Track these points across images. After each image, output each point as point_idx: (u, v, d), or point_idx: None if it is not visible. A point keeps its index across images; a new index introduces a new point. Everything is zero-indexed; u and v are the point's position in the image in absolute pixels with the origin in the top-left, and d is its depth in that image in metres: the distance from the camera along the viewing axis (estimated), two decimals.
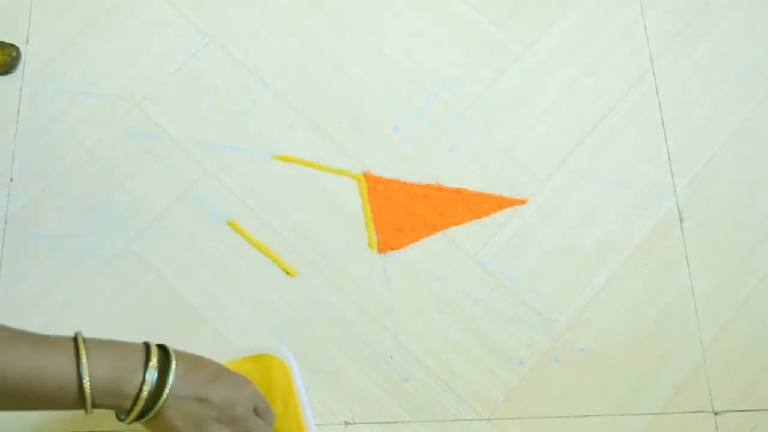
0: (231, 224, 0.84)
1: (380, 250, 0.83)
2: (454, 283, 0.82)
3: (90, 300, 0.81)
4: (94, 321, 0.80)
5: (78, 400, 0.57)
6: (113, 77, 0.90)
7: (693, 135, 0.89)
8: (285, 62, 0.91)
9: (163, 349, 0.62)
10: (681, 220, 0.85)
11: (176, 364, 0.60)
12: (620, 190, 0.86)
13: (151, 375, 0.58)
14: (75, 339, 0.58)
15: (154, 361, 0.59)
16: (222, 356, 0.73)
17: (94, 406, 0.58)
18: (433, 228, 0.84)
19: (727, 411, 0.78)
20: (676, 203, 0.86)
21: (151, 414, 0.59)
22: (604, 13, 0.93)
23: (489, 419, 0.78)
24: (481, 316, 0.81)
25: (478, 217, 0.85)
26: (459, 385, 0.79)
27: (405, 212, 0.85)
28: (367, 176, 0.86)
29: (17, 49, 0.89)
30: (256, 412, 0.65)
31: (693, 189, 0.86)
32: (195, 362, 0.63)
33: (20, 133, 0.87)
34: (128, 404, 0.59)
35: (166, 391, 0.59)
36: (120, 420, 0.61)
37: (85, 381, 0.56)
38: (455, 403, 0.78)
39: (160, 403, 0.58)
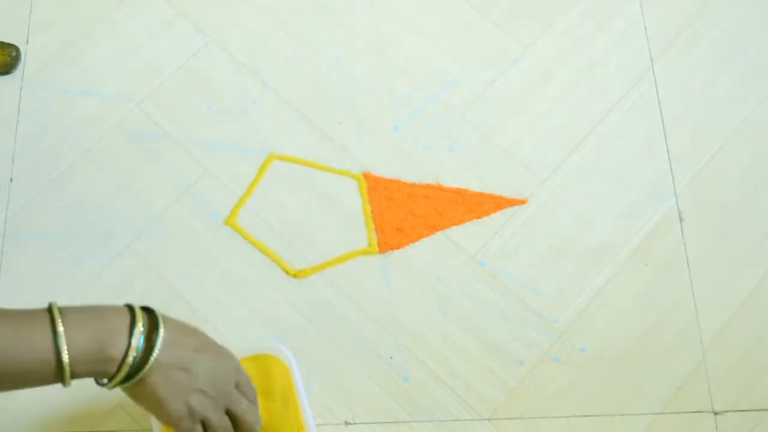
0: (231, 224, 0.84)
1: (380, 250, 0.83)
2: (454, 283, 0.82)
3: (90, 300, 0.81)
4: None
5: (57, 374, 0.54)
6: (113, 77, 0.90)
7: (693, 135, 0.89)
8: (285, 62, 0.91)
9: (148, 312, 0.58)
10: (681, 220, 0.85)
11: (164, 331, 0.57)
12: (620, 190, 0.86)
13: (137, 340, 0.55)
14: (50, 309, 0.55)
15: (140, 325, 0.56)
16: None
17: (74, 376, 0.54)
18: (433, 228, 0.84)
19: (727, 411, 0.78)
20: (676, 203, 0.86)
21: (135, 380, 0.56)
22: (604, 13, 0.93)
23: (489, 419, 0.78)
24: (481, 316, 0.81)
25: (478, 217, 0.85)
26: (459, 385, 0.79)
27: (405, 212, 0.85)
28: (367, 176, 0.86)
29: (17, 49, 0.89)
30: (237, 387, 0.63)
31: (693, 189, 0.86)
32: (182, 330, 0.60)
33: (20, 133, 0.87)
34: (111, 370, 0.55)
35: (153, 356, 0.56)
36: (100, 385, 0.58)
37: (63, 354, 0.53)
38: (455, 403, 0.78)
39: (146, 369, 0.55)
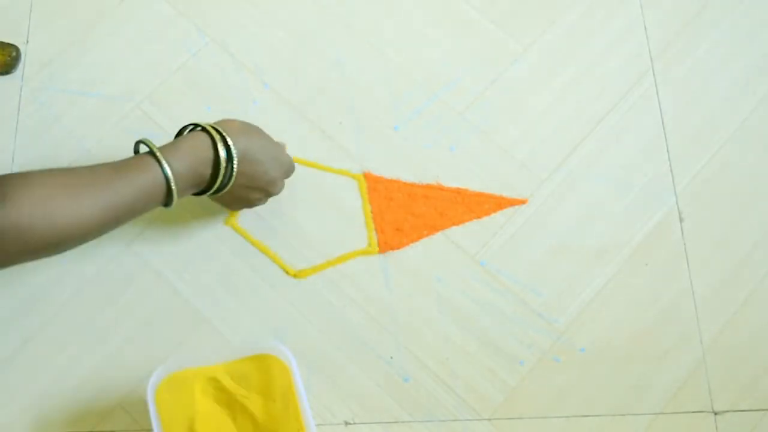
0: (231, 224, 0.84)
1: (380, 250, 0.83)
2: (454, 283, 0.82)
3: (90, 300, 0.81)
4: (94, 321, 0.80)
5: (166, 200, 0.68)
6: (113, 77, 0.90)
7: (693, 135, 0.89)
8: (285, 62, 0.91)
9: (219, 132, 0.70)
10: (681, 220, 0.85)
11: (233, 143, 0.69)
12: (620, 189, 0.86)
13: (223, 155, 0.69)
14: (156, 158, 0.66)
15: (220, 147, 0.69)
16: (222, 356, 0.73)
17: (179, 197, 0.68)
18: (433, 228, 0.84)
19: (727, 411, 0.78)
20: (676, 203, 0.86)
21: (227, 188, 0.71)
22: (604, 13, 0.93)
23: (489, 419, 0.78)
24: (481, 316, 0.81)
25: (478, 217, 0.85)
26: (459, 385, 0.79)
27: (405, 212, 0.85)
28: (367, 176, 0.86)
29: (17, 49, 0.89)
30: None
31: (693, 189, 0.86)
32: (243, 130, 0.72)
33: (20, 133, 0.87)
34: (205, 186, 0.71)
35: (235, 167, 0.70)
36: (196, 195, 0.72)
37: (173, 187, 0.67)
38: (455, 403, 0.78)
39: (233, 180, 0.71)
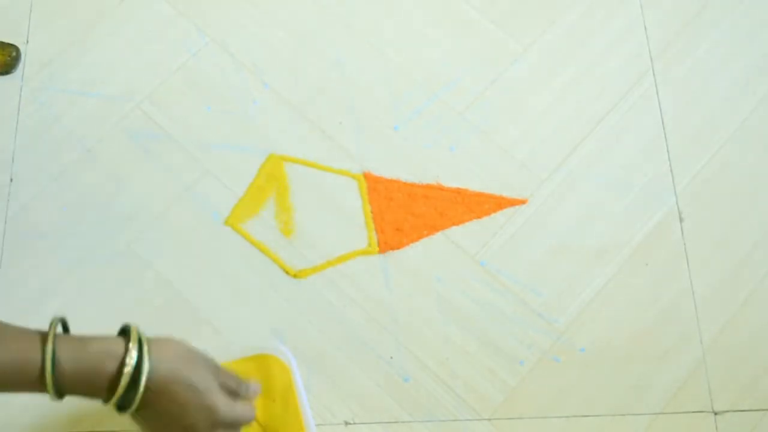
0: (231, 224, 0.84)
1: (380, 250, 0.83)
2: (454, 283, 0.82)
3: (90, 300, 0.81)
4: (94, 321, 0.80)
5: (40, 383, 0.54)
6: (113, 77, 0.90)
7: (693, 135, 0.89)
8: (285, 62, 0.91)
9: (139, 338, 0.57)
10: (681, 220, 0.85)
11: (151, 352, 0.56)
12: (620, 189, 0.86)
13: (130, 365, 0.55)
14: (50, 326, 0.55)
15: (132, 349, 0.56)
16: (222, 356, 0.73)
17: (61, 390, 0.54)
18: (433, 228, 0.84)
19: (727, 411, 0.78)
20: (676, 203, 0.86)
21: (138, 397, 0.55)
22: (604, 13, 0.93)
23: (489, 419, 0.78)
24: (481, 316, 0.81)
25: (478, 217, 0.85)
26: (459, 385, 0.79)
27: (405, 212, 0.85)
28: (367, 176, 0.86)
29: (17, 49, 0.89)
30: (230, 390, 0.61)
31: (693, 189, 0.86)
32: (179, 354, 0.59)
33: (20, 133, 0.87)
34: (104, 389, 0.55)
35: (142, 380, 0.55)
36: (105, 403, 0.57)
37: (47, 362, 0.53)
38: (455, 403, 0.78)
39: (142, 382, 0.55)
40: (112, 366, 0.55)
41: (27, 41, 0.91)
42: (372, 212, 0.85)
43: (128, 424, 0.76)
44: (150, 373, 0.55)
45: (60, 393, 0.54)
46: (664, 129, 0.89)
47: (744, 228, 0.85)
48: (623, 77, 0.91)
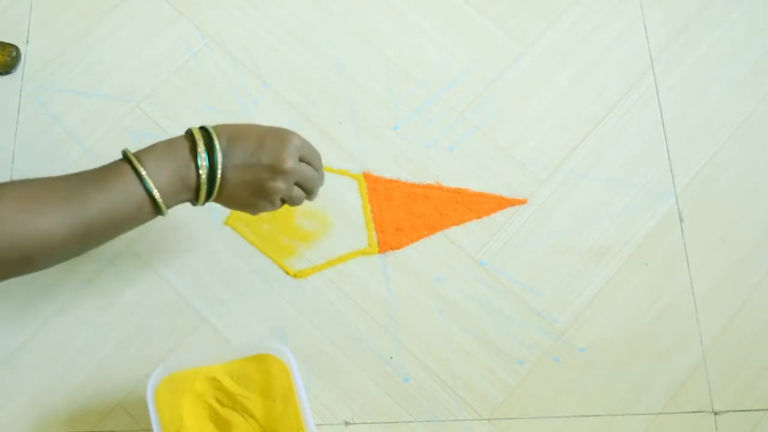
0: (231, 224, 0.84)
1: (380, 250, 0.83)
2: (454, 283, 0.82)
3: (90, 300, 0.81)
4: (94, 321, 0.80)
5: (155, 212, 0.63)
6: (113, 77, 0.90)
7: (693, 135, 0.89)
8: (285, 62, 0.91)
9: (204, 130, 0.64)
10: (681, 220, 0.85)
11: (219, 142, 0.63)
12: (620, 190, 0.86)
13: (203, 161, 0.62)
14: (129, 162, 0.62)
15: (201, 147, 0.63)
16: (222, 356, 0.73)
17: (169, 207, 0.63)
18: (433, 228, 0.84)
19: (727, 411, 0.78)
20: (676, 203, 0.86)
21: (215, 193, 0.64)
22: (604, 13, 0.93)
23: (489, 419, 0.78)
24: (481, 316, 0.81)
25: (478, 217, 0.85)
26: (459, 385, 0.79)
27: (405, 212, 0.85)
28: (367, 176, 0.86)
29: (17, 49, 0.89)
30: (303, 159, 0.68)
31: (693, 189, 0.86)
32: (237, 133, 0.65)
33: (20, 133, 0.87)
34: (194, 194, 0.64)
35: (218, 168, 0.63)
36: (194, 205, 0.66)
37: (155, 194, 0.61)
38: (455, 403, 0.78)
39: (218, 181, 0.63)
40: (192, 172, 0.63)
41: (27, 41, 0.91)
42: (372, 212, 0.85)
43: (128, 423, 0.77)
44: (223, 164, 0.63)
45: (167, 208, 0.63)
46: (664, 129, 0.89)
47: (744, 228, 0.85)
48: (623, 77, 0.91)
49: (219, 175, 0.63)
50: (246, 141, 0.65)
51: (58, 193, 0.59)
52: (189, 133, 0.64)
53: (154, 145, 0.64)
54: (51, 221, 0.58)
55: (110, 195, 0.60)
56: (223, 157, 0.63)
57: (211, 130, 0.64)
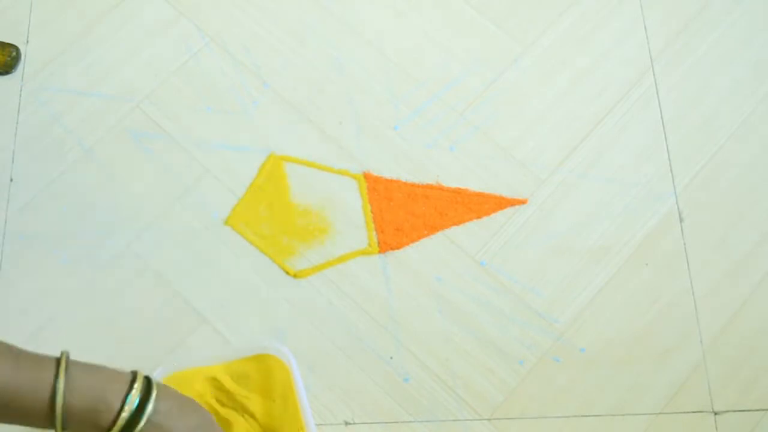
0: (231, 224, 0.84)
1: (380, 250, 0.83)
2: (454, 283, 0.82)
3: (90, 300, 0.81)
4: (94, 321, 0.80)
5: (49, 421, 0.54)
6: (113, 77, 0.90)
7: (693, 135, 0.89)
8: (285, 62, 0.91)
9: (148, 380, 0.58)
10: (681, 220, 0.85)
11: (157, 394, 0.57)
12: (620, 190, 0.86)
13: (133, 399, 0.55)
14: (58, 359, 0.56)
15: (137, 387, 0.56)
16: (222, 356, 0.73)
17: (65, 427, 0.55)
18: (433, 228, 0.84)
19: (727, 411, 0.78)
20: (676, 203, 0.86)
21: None
22: (604, 13, 0.93)
23: (489, 419, 0.78)
24: (481, 316, 0.81)
25: (478, 217, 0.85)
26: (459, 385, 0.79)
27: (405, 212, 0.85)
28: (367, 176, 0.86)
29: (17, 49, 0.89)
30: None
31: (693, 189, 0.86)
32: (180, 403, 0.59)
33: (20, 133, 0.87)
34: (104, 425, 0.55)
35: (143, 418, 0.55)
36: None
37: (58, 401, 0.54)
38: (455, 403, 0.78)
39: (139, 427, 0.55)
40: (115, 406, 0.55)
41: (27, 41, 0.91)
42: (372, 212, 0.85)
43: None
44: (150, 416, 0.55)
45: (63, 428, 0.54)
46: (664, 129, 0.89)
47: (744, 228, 0.85)
48: (623, 77, 0.91)
49: (142, 423, 0.55)
50: (186, 418, 0.58)
51: None
52: (132, 373, 0.57)
53: (92, 364, 0.57)
54: None
55: (20, 378, 0.54)
56: (153, 411, 0.56)
57: (154, 383, 0.57)
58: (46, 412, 0.54)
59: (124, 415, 0.55)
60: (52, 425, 0.54)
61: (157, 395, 0.56)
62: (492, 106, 0.89)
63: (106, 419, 0.55)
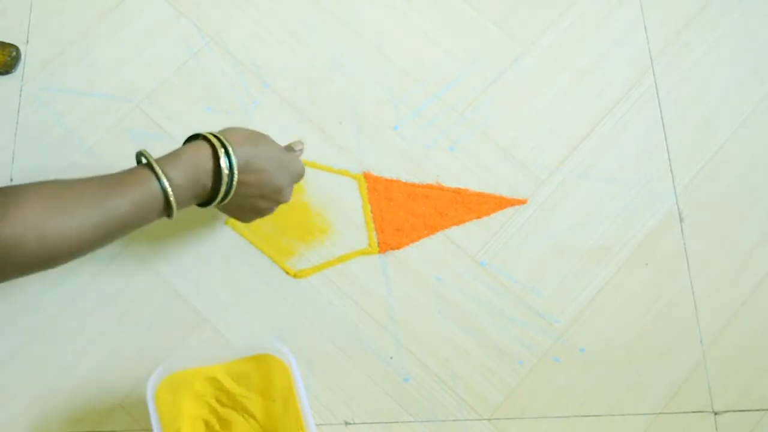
0: (231, 224, 0.84)
1: (380, 250, 0.83)
2: (454, 283, 0.82)
3: (90, 300, 0.81)
4: (94, 321, 0.80)
5: (166, 212, 0.66)
6: (113, 77, 0.90)
7: (693, 135, 0.89)
8: (285, 62, 0.91)
9: (217, 138, 0.67)
10: (681, 220, 0.85)
11: (234, 151, 0.67)
12: (620, 190, 0.86)
13: (225, 163, 0.66)
14: (149, 164, 0.65)
15: (221, 153, 0.66)
16: (222, 356, 0.73)
17: (180, 208, 0.66)
18: (433, 228, 0.84)
19: (727, 411, 0.79)
20: (676, 203, 0.86)
21: (229, 197, 0.68)
22: (604, 13, 0.93)
23: (489, 419, 0.78)
24: (481, 316, 0.81)
25: (478, 217, 0.85)
26: (459, 385, 0.79)
27: (405, 212, 0.85)
28: (367, 176, 0.86)
29: (17, 49, 0.89)
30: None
31: (693, 189, 0.86)
32: (250, 138, 0.70)
33: (20, 133, 0.87)
34: (207, 196, 0.68)
35: (235, 176, 0.67)
36: (202, 207, 0.70)
37: (170, 197, 0.64)
38: (455, 403, 0.78)
39: (234, 186, 0.67)
40: (209, 171, 0.66)
41: (27, 41, 0.91)
42: (372, 212, 0.85)
43: (128, 423, 0.77)
44: (239, 163, 0.67)
45: (179, 209, 0.66)
46: (664, 129, 0.89)
47: (744, 228, 0.85)
48: (623, 77, 0.91)
49: (235, 180, 0.67)
50: (255, 145, 0.69)
51: (81, 194, 0.62)
52: (207, 141, 0.67)
53: (174, 153, 0.67)
54: (78, 222, 0.60)
55: (132, 201, 0.63)
56: (241, 168, 0.67)
57: (228, 145, 0.67)
58: (162, 207, 0.65)
59: (225, 172, 0.66)
60: (169, 215, 0.66)
61: (231, 143, 0.67)
62: (492, 106, 0.89)
63: (205, 185, 0.66)
